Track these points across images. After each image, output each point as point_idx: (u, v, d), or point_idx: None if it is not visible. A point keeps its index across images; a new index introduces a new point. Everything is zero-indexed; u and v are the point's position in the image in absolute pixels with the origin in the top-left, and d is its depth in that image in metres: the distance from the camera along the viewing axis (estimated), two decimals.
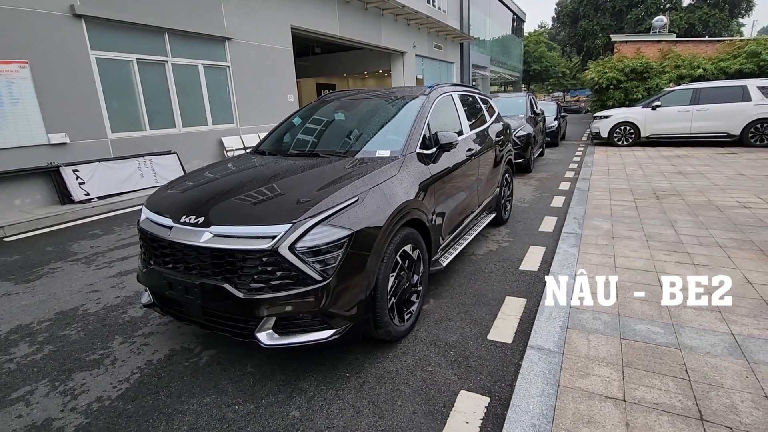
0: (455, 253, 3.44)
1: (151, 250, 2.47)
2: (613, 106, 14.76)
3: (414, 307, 2.79)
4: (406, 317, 2.69)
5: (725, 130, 10.57)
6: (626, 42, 18.46)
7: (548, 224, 5.06)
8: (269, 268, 2.07)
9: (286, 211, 2.16)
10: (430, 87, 3.62)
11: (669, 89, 12.10)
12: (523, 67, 43.51)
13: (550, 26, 60.65)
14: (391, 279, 2.47)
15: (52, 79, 6.67)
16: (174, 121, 8.74)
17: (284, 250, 2.03)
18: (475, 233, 3.96)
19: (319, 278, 2.07)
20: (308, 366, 2.44)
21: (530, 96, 9.77)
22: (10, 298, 3.65)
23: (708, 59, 15.14)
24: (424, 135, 3.09)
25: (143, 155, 7.92)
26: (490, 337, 2.67)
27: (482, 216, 4.36)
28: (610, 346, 2.42)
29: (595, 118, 12.85)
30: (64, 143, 6.90)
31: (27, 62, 6.37)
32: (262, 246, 2.04)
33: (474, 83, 27.89)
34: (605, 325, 2.63)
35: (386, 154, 2.88)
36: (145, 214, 2.58)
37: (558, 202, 6.15)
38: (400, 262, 2.54)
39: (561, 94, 56.48)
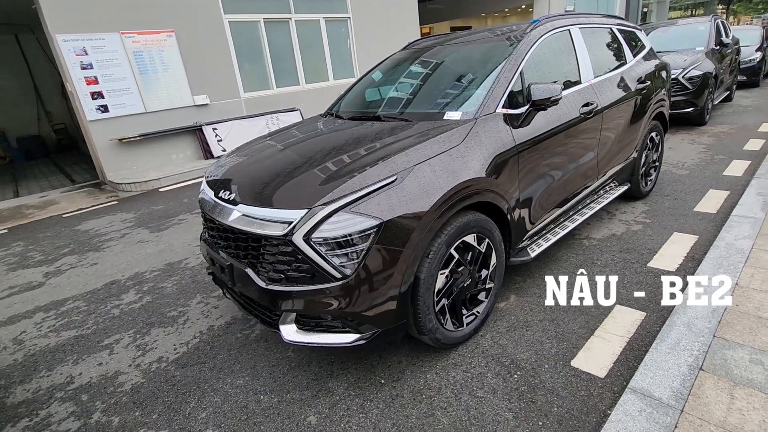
0: (553, 239, 2.71)
1: (204, 223, 2.46)
2: None
3: (481, 308, 2.28)
4: (468, 320, 2.21)
5: None
6: None
7: (712, 202, 3.73)
8: (285, 258, 1.82)
9: (306, 193, 1.84)
10: (533, 22, 2.76)
11: None
12: None
13: None
14: (442, 277, 2.00)
15: (193, 44, 7.40)
16: (298, 78, 9.06)
17: (298, 240, 1.74)
18: (592, 212, 3.08)
19: (337, 275, 1.74)
20: (346, 360, 2.20)
21: (718, 20, 7.27)
22: (142, 245, 4.27)
23: None
24: (512, 90, 2.37)
25: (270, 113, 8.45)
26: (575, 363, 2.02)
27: (606, 189, 3.39)
28: None
29: None
30: (206, 104, 7.73)
31: (173, 31, 7.15)
32: (277, 232, 1.79)
33: (645, 10, 22.62)
34: None
35: (456, 116, 2.29)
36: (203, 184, 2.56)
37: (737, 168, 4.51)
38: (457, 256, 2.04)
39: None
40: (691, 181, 4.30)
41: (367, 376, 2.08)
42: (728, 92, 7.97)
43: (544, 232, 2.74)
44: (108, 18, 6.56)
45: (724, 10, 38.87)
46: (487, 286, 2.29)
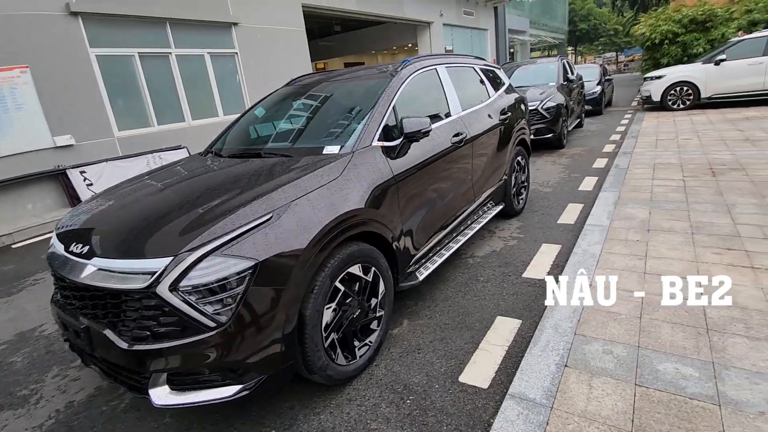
0: (440, 261, 2.86)
1: (55, 282, 2.14)
2: (668, 64, 13.01)
3: (373, 337, 2.29)
4: (361, 351, 2.20)
5: None
6: None
7: (571, 214, 4.29)
8: (150, 313, 1.64)
9: (172, 239, 1.70)
10: (403, 62, 2.99)
11: (737, 39, 10.35)
12: (568, 28, 40.11)
13: None
14: (329, 311, 1.97)
15: (53, 81, 6.59)
16: (183, 114, 8.56)
17: (164, 291, 1.58)
18: (473, 232, 3.34)
19: (211, 324, 1.61)
20: (232, 417, 2.02)
21: (564, 60, 8.64)
22: None
23: None
24: (387, 124, 2.50)
25: (152, 152, 7.80)
26: (462, 378, 2.11)
27: (484, 209, 3.71)
28: (619, 397, 1.80)
29: (645, 79, 11.33)
30: (70, 145, 6.86)
31: (27, 67, 6.31)
32: (138, 285, 1.61)
33: (511, 50, 26.03)
34: (617, 363, 2.00)
35: (335, 150, 2.34)
36: (53, 238, 2.23)
37: (588, 184, 5.29)
38: (343, 288, 2.03)
39: (613, 54, 51.87)
40: (554, 197, 4.91)
41: (257, 429, 1.93)
42: (579, 119, 9.41)
43: (430, 254, 2.87)
44: None
45: (573, 51, 46.45)
46: (378, 314, 2.31)
